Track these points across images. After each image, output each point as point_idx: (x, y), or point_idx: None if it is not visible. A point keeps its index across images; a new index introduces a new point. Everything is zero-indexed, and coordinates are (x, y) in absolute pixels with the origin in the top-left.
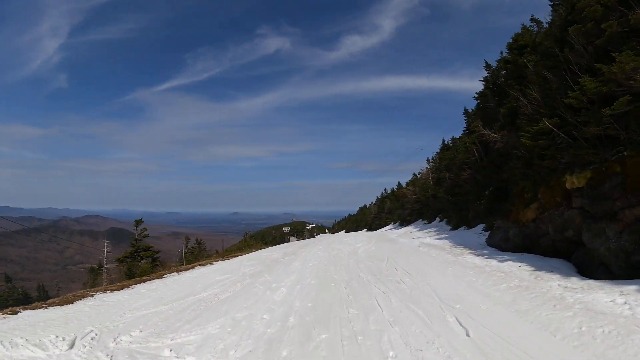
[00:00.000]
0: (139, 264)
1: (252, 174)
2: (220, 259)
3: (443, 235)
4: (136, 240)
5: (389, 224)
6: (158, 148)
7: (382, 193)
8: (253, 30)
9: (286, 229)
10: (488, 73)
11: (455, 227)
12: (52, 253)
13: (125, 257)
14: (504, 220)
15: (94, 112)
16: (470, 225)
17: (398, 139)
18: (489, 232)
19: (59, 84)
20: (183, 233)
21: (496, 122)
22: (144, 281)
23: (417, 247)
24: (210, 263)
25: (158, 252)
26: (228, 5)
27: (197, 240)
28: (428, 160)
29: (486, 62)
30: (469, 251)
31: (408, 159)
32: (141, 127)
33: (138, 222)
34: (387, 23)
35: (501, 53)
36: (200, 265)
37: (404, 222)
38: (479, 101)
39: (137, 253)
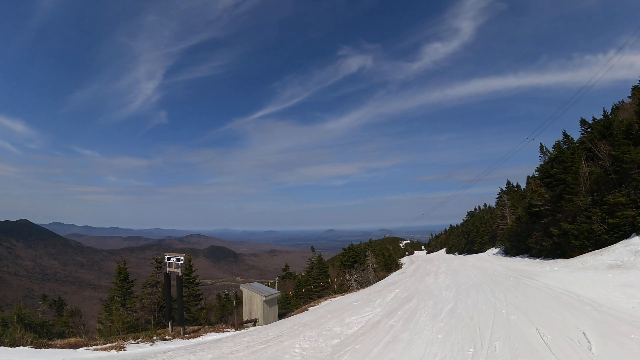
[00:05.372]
0: None
1: (343, 191)
2: None
3: None
4: None
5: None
6: (253, 172)
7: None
8: (334, 52)
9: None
10: None
11: None
12: (153, 269)
13: None
14: None
15: (192, 143)
16: None
17: (488, 144)
18: None
19: (160, 120)
20: (280, 251)
21: None
22: None
23: None
24: None
25: None
26: (306, 33)
27: None
28: None
29: None
30: None
31: (501, 165)
32: (236, 153)
33: None
34: (465, 25)
35: None
36: None
37: None
38: None
39: None
